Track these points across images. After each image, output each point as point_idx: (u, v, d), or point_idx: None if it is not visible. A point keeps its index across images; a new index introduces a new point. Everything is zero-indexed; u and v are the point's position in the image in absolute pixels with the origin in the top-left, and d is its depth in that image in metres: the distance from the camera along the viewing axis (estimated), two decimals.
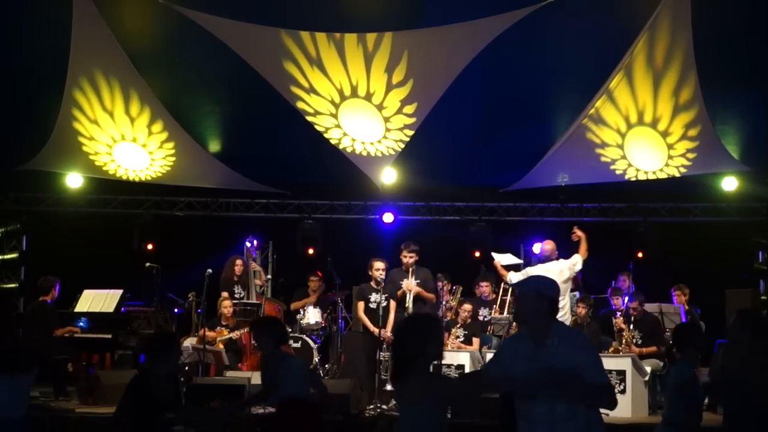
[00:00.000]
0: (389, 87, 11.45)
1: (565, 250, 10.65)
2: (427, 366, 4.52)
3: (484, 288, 11.93)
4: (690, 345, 5.94)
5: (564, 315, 9.77)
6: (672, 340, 6.28)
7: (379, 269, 10.52)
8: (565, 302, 9.91)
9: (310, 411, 6.31)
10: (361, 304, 10.63)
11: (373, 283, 10.48)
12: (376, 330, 10.18)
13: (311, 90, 11.61)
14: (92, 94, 11.74)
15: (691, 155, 11.99)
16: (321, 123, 12.11)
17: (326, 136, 12.29)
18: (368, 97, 11.62)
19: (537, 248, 13.41)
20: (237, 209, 14.12)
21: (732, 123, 11.78)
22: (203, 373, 10.51)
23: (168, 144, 12.61)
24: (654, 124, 11.73)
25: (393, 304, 10.53)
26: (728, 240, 12.88)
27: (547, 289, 4.58)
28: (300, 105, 11.81)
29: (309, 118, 11.97)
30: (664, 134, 11.81)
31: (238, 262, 12.14)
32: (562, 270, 10.00)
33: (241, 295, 11.98)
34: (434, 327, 4.65)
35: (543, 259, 10.26)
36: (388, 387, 9.99)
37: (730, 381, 5.81)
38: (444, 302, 11.16)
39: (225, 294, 11.77)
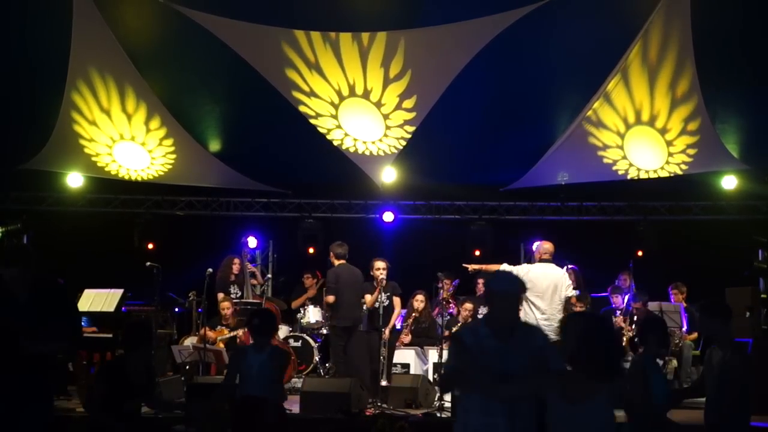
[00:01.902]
0: (388, 86, 11.47)
1: (565, 249, 10.66)
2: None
3: (482, 286, 11.94)
4: (651, 337, 5.92)
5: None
6: (636, 334, 6.28)
7: (379, 269, 10.60)
8: (553, 314, 9.85)
9: (265, 410, 6.30)
10: (367, 297, 10.73)
11: (374, 283, 10.54)
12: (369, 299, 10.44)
13: (312, 93, 11.65)
14: (93, 94, 11.76)
15: (690, 153, 12.01)
16: (323, 125, 12.14)
17: (329, 137, 12.31)
18: (367, 96, 11.65)
19: (537, 247, 13.46)
20: (237, 208, 14.13)
21: (731, 121, 11.78)
22: (204, 372, 10.53)
23: (168, 143, 12.63)
24: (654, 123, 11.74)
25: (397, 301, 10.64)
26: (728, 238, 12.88)
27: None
28: (303, 108, 11.84)
29: (312, 122, 12.00)
30: (664, 133, 11.82)
31: (236, 261, 12.15)
32: (563, 283, 9.92)
33: (238, 295, 11.99)
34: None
35: (542, 259, 10.19)
36: (384, 383, 10.04)
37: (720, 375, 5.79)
38: (442, 300, 11.19)
39: (222, 295, 11.78)
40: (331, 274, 10.76)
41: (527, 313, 9.81)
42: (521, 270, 10.03)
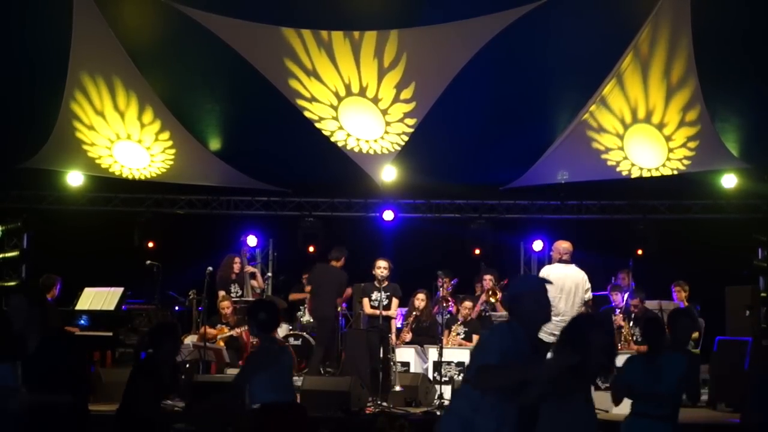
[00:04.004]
0: (388, 85, 11.48)
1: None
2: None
3: (488, 281, 11.91)
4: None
5: None
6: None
7: (380, 267, 10.70)
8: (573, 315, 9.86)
9: (294, 417, 5.98)
10: (365, 301, 10.86)
11: (375, 282, 10.65)
12: (376, 312, 10.56)
13: (313, 96, 11.66)
14: (93, 93, 11.76)
15: (690, 152, 12.01)
16: (326, 128, 12.15)
17: (333, 139, 12.31)
18: (367, 96, 11.65)
19: (537, 245, 13.49)
20: (237, 207, 14.13)
21: (731, 120, 11.78)
22: (204, 371, 10.54)
23: (168, 142, 12.62)
24: (653, 122, 11.74)
25: (395, 302, 10.76)
26: (728, 237, 12.87)
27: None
28: (307, 114, 11.87)
29: (316, 125, 12.02)
30: (664, 131, 11.82)
31: (236, 260, 12.15)
32: (581, 286, 9.90)
33: (239, 294, 12.00)
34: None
35: (561, 259, 10.17)
36: (397, 388, 10.05)
37: None
38: (441, 299, 11.21)
39: (222, 293, 11.79)
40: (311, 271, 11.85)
41: None
42: (542, 274, 10.02)
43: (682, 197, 13.49)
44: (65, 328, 10.71)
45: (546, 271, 10.04)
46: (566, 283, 9.72)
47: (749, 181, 12.66)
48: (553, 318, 9.53)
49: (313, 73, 11.45)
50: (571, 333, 4.23)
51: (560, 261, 10.02)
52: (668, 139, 11.92)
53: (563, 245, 10.14)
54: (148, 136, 12.50)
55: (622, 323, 10.85)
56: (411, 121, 11.95)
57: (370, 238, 13.27)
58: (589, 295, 9.97)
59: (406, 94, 11.58)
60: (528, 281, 4.90)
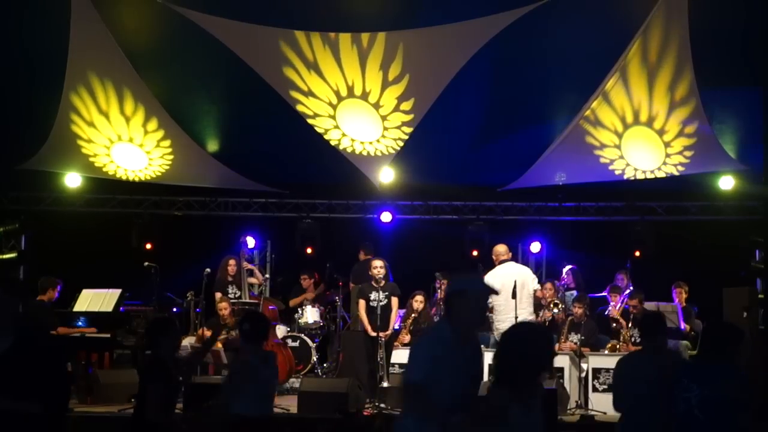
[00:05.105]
0: (386, 86, 11.48)
1: (563, 249, 10.69)
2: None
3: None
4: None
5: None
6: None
7: (376, 267, 10.67)
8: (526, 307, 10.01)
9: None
10: (362, 303, 10.82)
11: (373, 282, 10.62)
12: (373, 333, 10.34)
13: (310, 93, 11.66)
14: (91, 95, 11.76)
15: (688, 154, 12.02)
16: (321, 125, 12.14)
17: (326, 137, 12.31)
18: (365, 97, 11.66)
19: (535, 247, 13.52)
20: (235, 209, 14.11)
21: (729, 122, 11.80)
22: (202, 372, 10.54)
23: (166, 144, 12.62)
24: (651, 124, 11.76)
25: (395, 301, 10.72)
26: (725, 239, 12.88)
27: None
28: (300, 108, 11.84)
29: (309, 121, 12.01)
30: (661, 133, 11.84)
31: (231, 262, 12.16)
32: (527, 281, 10.05)
33: (236, 295, 12.00)
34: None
35: (500, 261, 10.33)
36: (385, 384, 10.07)
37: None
38: (439, 300, 11.22)
39: (219, 295, 11.79)
40: None
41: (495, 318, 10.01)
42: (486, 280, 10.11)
43: (679, 199, 13.49)
44: (60, 329, 10.76)
45: (490, 277, 10.09)
46: (511, 283, 9.91)
47: (746, 183, 12.66)
48: (508, 318, 9.76)
49: (311, 75, 11.45)
50: (509, 339, 4.24)
51: (500, 263, 10.18)
52: (666, 141, 11.94)
53: (497, 248, 10.45)
54: (145, 138, 12.50)
55: (619, 317, 10.91)
56: (409, 121, 11.95)
57: (368, 239, 13.26)
58: (536, 286, 10.17)
59: (405, 95, 11.59)
60: (474, 281, 4.71)
